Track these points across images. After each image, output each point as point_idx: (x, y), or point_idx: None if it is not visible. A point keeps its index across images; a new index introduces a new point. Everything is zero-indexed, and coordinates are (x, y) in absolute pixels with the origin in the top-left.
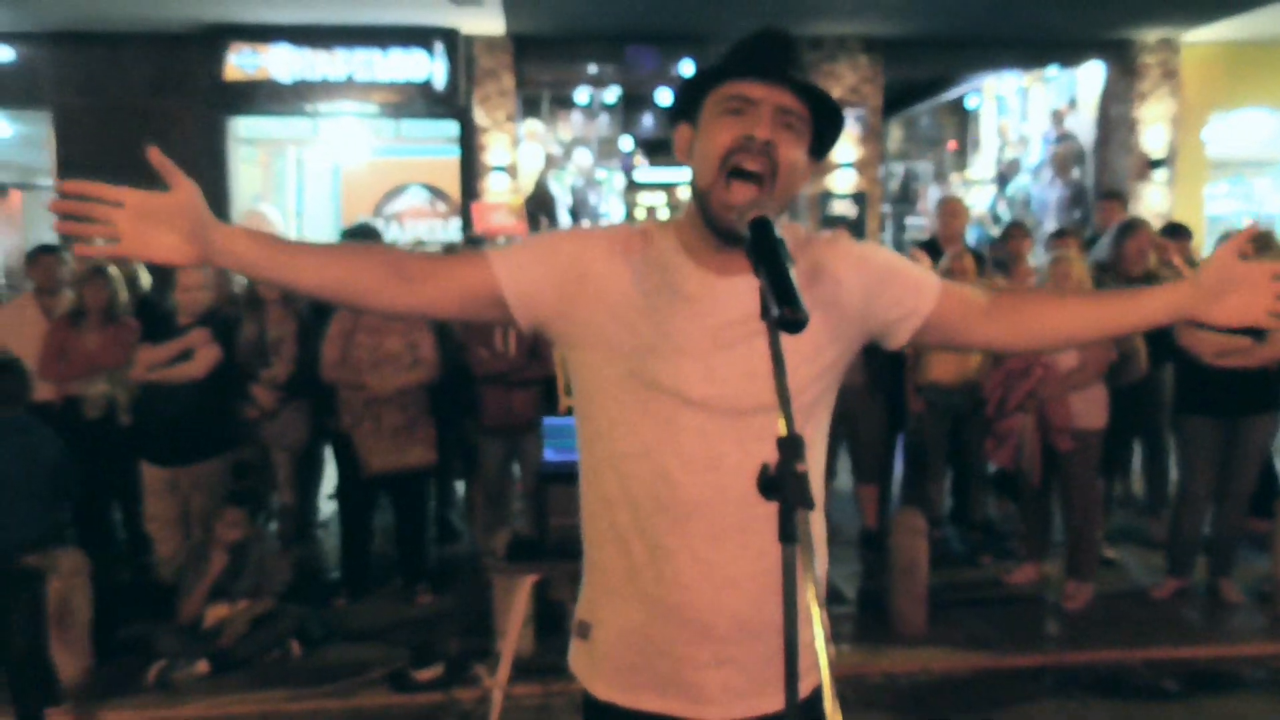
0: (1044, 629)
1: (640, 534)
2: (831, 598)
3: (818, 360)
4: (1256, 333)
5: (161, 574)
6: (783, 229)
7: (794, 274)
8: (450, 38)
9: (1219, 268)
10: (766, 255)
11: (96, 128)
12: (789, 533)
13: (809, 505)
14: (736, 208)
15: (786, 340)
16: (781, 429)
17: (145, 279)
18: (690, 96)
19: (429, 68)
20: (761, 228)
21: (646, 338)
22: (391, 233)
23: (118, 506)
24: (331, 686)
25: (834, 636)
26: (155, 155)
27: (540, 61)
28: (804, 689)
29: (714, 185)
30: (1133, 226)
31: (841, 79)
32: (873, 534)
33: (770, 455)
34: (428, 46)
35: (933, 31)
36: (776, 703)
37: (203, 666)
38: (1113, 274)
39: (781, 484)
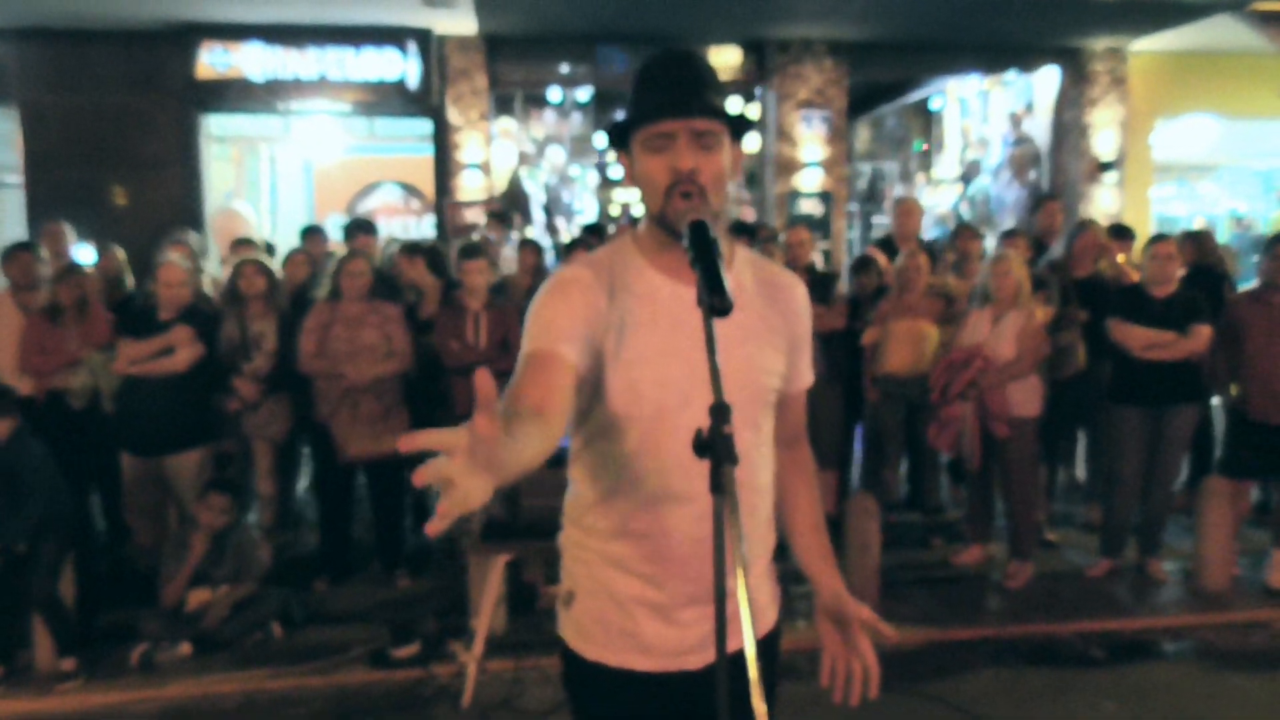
0: (986, 605)
1: (636, 518)
2: (792, 578)
3: (768, 374)
4: (1180, 327)
5: (141, 563)
6: (748, 262)
7: (724, 270)
8: (423, 37)
9: (850, 619)
10: (701, 252)
11: (66, 125)
12: (718, 485)
13: (734, 461)
14: (682, 212)
15: (754, 357)
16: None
17: (130, 278)
18: (620, 134)
19: (402, 67)
20: (698, 229)
21: (637, 348)
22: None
23: (98, 496)
24: (312, 665)
25: (794, 613)
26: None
27: (513, 61)
28: (760, 629)
29: (664, 206)
30: (1082, 226)
31: (808, 81)
32: (832, 518)
33: (754, 440)
34: (401, 46)
35: (896, 36)
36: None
37: (186, 648)
38: (1062, 272)
39: (712, 444)
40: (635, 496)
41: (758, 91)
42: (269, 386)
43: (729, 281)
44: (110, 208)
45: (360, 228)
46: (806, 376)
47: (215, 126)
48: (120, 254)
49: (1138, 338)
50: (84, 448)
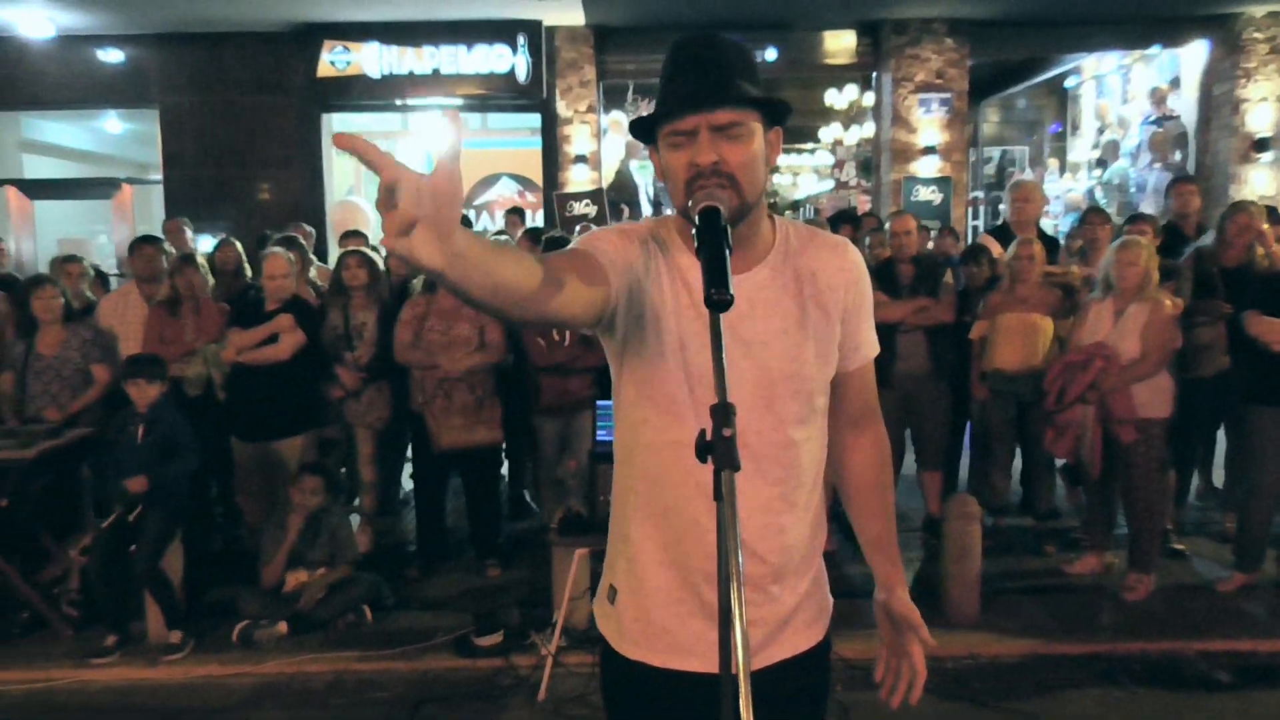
0: (1100, 619)
1: (679, 513)
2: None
3: (813, 356)
4: None
5: (250, 543)
6: (784, 233)
7: (730, 259)
8: (532, 30)
9: (905, 626)
10: (707, 241)
11: (200, 124)
12: (719, 492)
13: (735, 467)
14: (699, 200)
15: (795, 339)
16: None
17: (248, 270)
18: (647, 130)
19: (511, 60)
20: (708, 217)
21: (687, 333)
22: (481, 223)
23: (214, 480)
24: (399, 650)
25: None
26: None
27: (621, 52)
28: (800, 644)
29: (685, 204)
30: (1236, 208)
31: (926, 63)
32: (935, 520)
33: (787, 428)
34: (510, 39)
35: (1023, 12)
36: (787, 649)
37: (282, 627)
38: (1211, 261)
39: (713, 447)
40: (661, 490)
41: (873, 76)
42: (370, 375)
43: (733, 275)
44: (238, 203)
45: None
46: (867, 349)
47: (336, 124)
48: (238, 246)
49: (1278, 331)
50: (199, 434)
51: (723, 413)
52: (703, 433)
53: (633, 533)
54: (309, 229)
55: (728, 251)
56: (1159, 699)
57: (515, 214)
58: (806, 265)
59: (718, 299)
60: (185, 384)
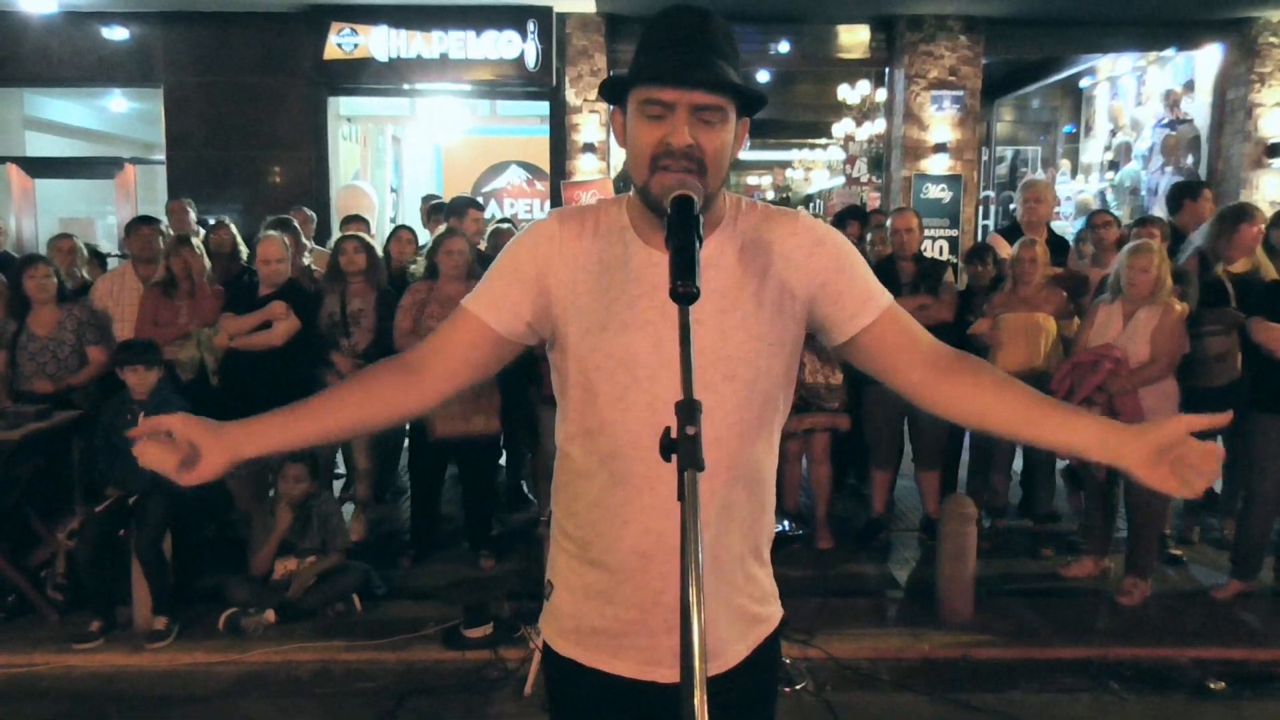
0: (1095, 623)
1: (602, 507)
2: (884, 583)
3: (754, 343)
4: None
5: (240, 529)
6: (736, 208)
7: (700, 251)
8: (543, 17)
9: (1172, 435)
10: (675, 231)
11: (205, 105)
12: (682, 493)
13: (699, 467)
14: (669, 188)
15: (727, 323)
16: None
17: (244, 252)
18: (617, 88)
19: (521, 46)
20: (681, 206)
21: (599, 315)
22: (489, 210)
23: None
24: (387, 640)
25: (879, 620)
26: (153, 424)
27: (633, 41)
28: (724, 663)
29: (648, 180)
30: (1248, 212)
31: (940, 60)
32: (933, 521)
33: (721, 426)
34: (520, 26)
35: (1040, 10)
36: (721, 664)
37: (270, 616)
38: (1213, 262)
39: (676, 446)
40: (599, 479)
41: (886, 72)
42: (366, 362)
43: (702, 263)
44: (243, 185)
45: (454, 209)
46: (874, 301)
47: (343, 107)
48: (233, 228)
49: None
50: None
51: (687, 410)
52: (667, 430)
53: (566, 527)
54: (309, 213)
55: (697, 243)
56: (1150, 705)
57: (436, 210)
58: (760, 240)
59: (683, 291)
60: (178, 367)
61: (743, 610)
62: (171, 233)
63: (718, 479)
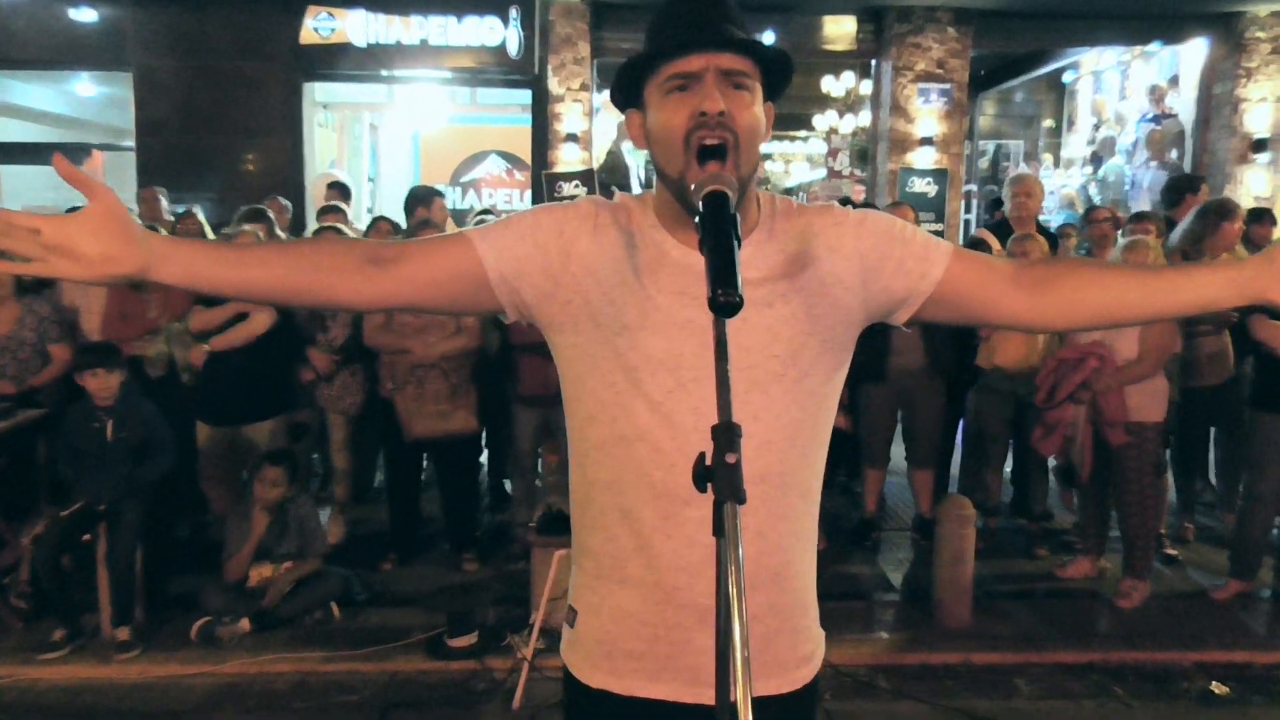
0: (1094, 626)
1: (639, 520)
2: (878, 585)
3: (804, 339)
4: None
5: (214, 532)
6: (769, 203)
7: (740, 254)
8: (525, 3)
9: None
10: (711, 233)
11: (177, 90)
12: (719, 526)
13: (739, 499)
14: (702, 184)
15: (774, 319)
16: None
17: None
18: (630, 83)
19: (503, 33)
20: (715, 202)
21: (634, 315)
22: (468, 200)
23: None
24: (369, 650)
25: (876, 624)
26: (62, 165)
27: (618, 29)
28: (793, 682)
29: (686, 169)
30: (1230, 208)
31: (928, 52)
32: (926, 521)
33: (773, 429)
34: (502, 12)
35: (1028, 4)
36: (771, 686)
37: (245, 624)
38: (1192, 258)
39: (713, 475)
40: (636, 491)
41: (873, 64)
42: (344, 358)
43: (742, 261)
44: (217, 173)
45: (419, 199)
46: (938, 250)
47: (319, 93)
48: (200, 217)
49: None
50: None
51: (726, 435)
52: (701, 457)
53: (591, 544)
54: (285, 202)
55: (736, 244)
56: (1157, 712)
57: (335, 188)
58: (802, 232)
59: (724, 301)
60: (146, 364)
61: (807, 630)
62: (142, 222)
63: (770, 484)
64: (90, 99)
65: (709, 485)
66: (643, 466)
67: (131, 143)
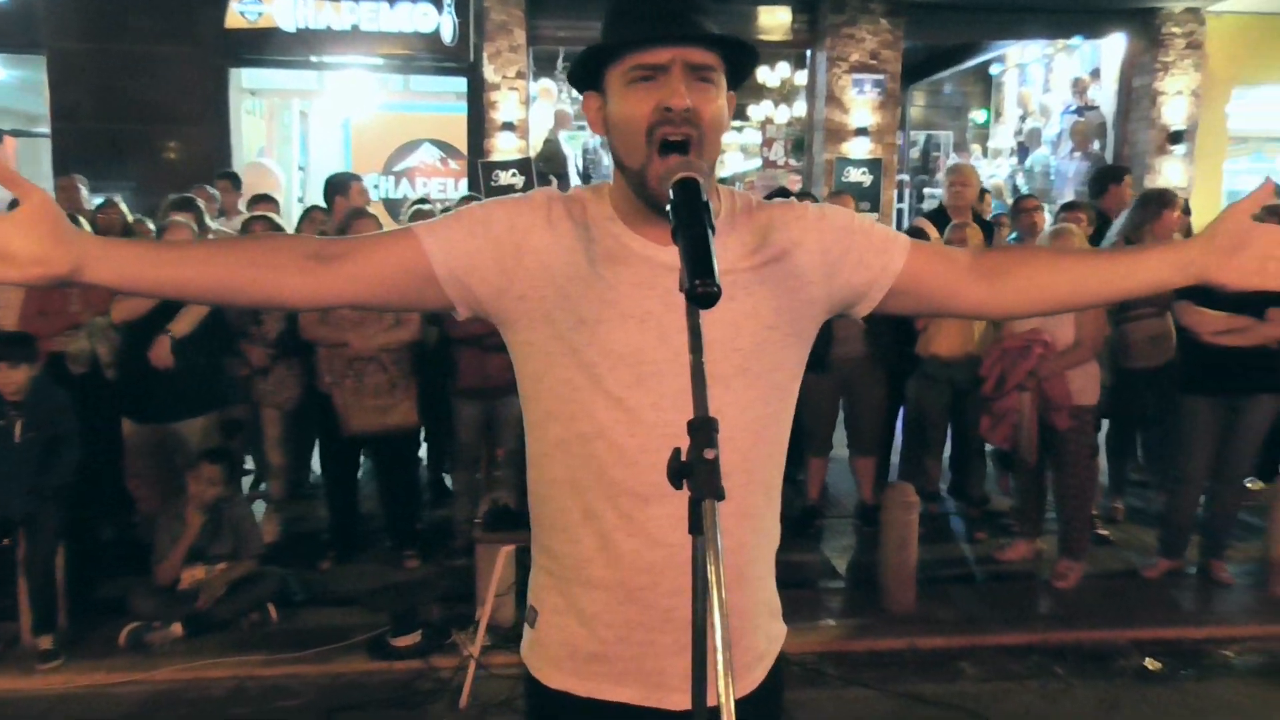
0: (1034, 607)
1: (600, 519)
2: (823, 573)
3: (766, 333)
4: (1256, 311)
5: (142, 533)
6: (730, 197)
7: (714, 243)
8: None
9: (1232, 226)
10: (685, 221)
11: (94, 74)
12: (697, 524)
13: (718, 495)
14: (671, 171)
15: (736, 313)
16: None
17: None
18: (591, 66)
19: (437, 19)
20: (688, 190)
21: (592, 309)
22: (401, 189)
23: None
24: (309, 652)
25: (822, 612)
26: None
27: (554, 17)
28: (749, 684)
29: (648, 163)
30: (1169, 198)
31: (862, 43)
32: (869, 508)
33: (736, 424)
34: None
35: None
36: (741, 688)
37: (177, 629)
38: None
39: (690, 471)
40: (596, 490)
41: (807, 54)
42: (279, 352)
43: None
44: (139, 162)
45: (337, 187)
46: (896, 242)
47: (246, 79)
48: (122, 207)
49: (1209, 322)
50: (83, 413)
51: (704, 430)
52: (676, 452)
53: (551, 544)
54: (213, 192)
55: (710, 232)
56: (1097, 690)
57: (224, 178)
58: (762, 226)
59: (703, 292)
60: (69, 360)
61: (762, 629)
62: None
63: (733, 480)
64: (2, 82)
65: (684, 482)
66: (602, 465)
67: (46, 129)
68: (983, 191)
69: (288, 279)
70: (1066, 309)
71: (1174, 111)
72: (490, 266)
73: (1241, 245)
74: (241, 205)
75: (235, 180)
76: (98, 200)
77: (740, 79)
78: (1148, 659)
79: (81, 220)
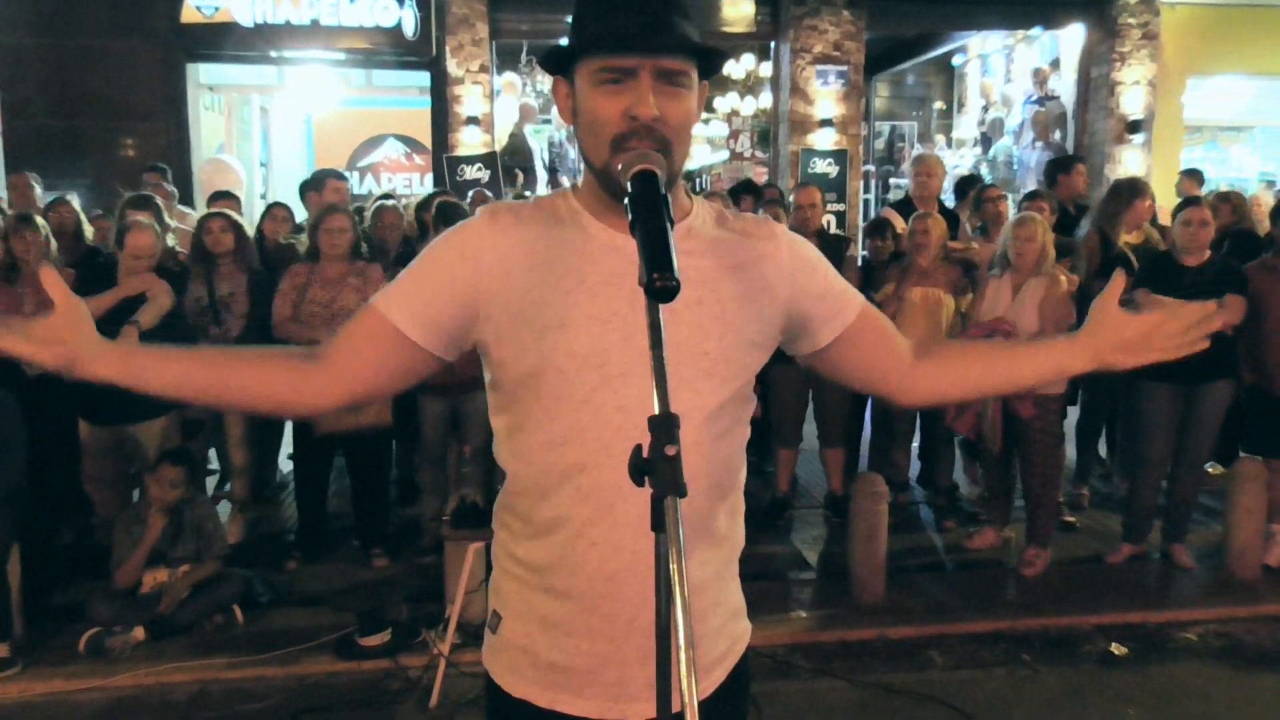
0: (1002, 595)
1: (565, 526)
2: (793, 564)
3: (733, 338)
4: (1214, 298)
5: (101, 537)
6: (702, 204)
7: (673, 236)
8: None
9: (1106, 319)
10: (643, 214)
11: (46, 69)
12: (659, 521)
13: (680, 493)
14: (629, 165)
15: (704, 316)
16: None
17: (89, 231)
18: (562, 57)
19: (398, 13)
20: (645, 182)
21: (557, 310)
22: (366, 185)
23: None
24: (274, 653)
25: (793, 604)
26: (48, 277)
27: (516, 10)
28: (709, 685)
29: (609, 162)
30: (1141, 187)
31: (825, 34)
32: (838, 498)
33: (700, 429)
34: None
35: None
36: (700, 691)
37: (139, 633)
38: (1112, 236)
39: (652, 468)
40: (560, 496)
41: (771, 46)
42: None
43: (677, 247)
44: (94, 159)
45: (312, 183)
46: (854, 299)
47: (204, 74)
48: (75, 204)
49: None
50: (39, 415)
51: (665, 426)
52: (638, 449)
53: (516, 550)
54: (170, 188)
55: (669, 225)
56: (1063, 676)
57: (153, 171)
58: (733, 233)
59: (660, 285)
60: (24, 363)
61: (720, 630)
62: (11, 211)
63: (695, 484)
64: None
65: (646, 479)
66: (568, 471)
67: None
68: (973, 178)
69: (294, 389)
70: (971, 399)
71: (1132, 101)
72: (454, 304)
73: (1119, 330)
74: (201, 203)
75: (164, 173)
76: (50, 196)
77: (711, 72)
78: (1114, 644)
79: (39, 221)
